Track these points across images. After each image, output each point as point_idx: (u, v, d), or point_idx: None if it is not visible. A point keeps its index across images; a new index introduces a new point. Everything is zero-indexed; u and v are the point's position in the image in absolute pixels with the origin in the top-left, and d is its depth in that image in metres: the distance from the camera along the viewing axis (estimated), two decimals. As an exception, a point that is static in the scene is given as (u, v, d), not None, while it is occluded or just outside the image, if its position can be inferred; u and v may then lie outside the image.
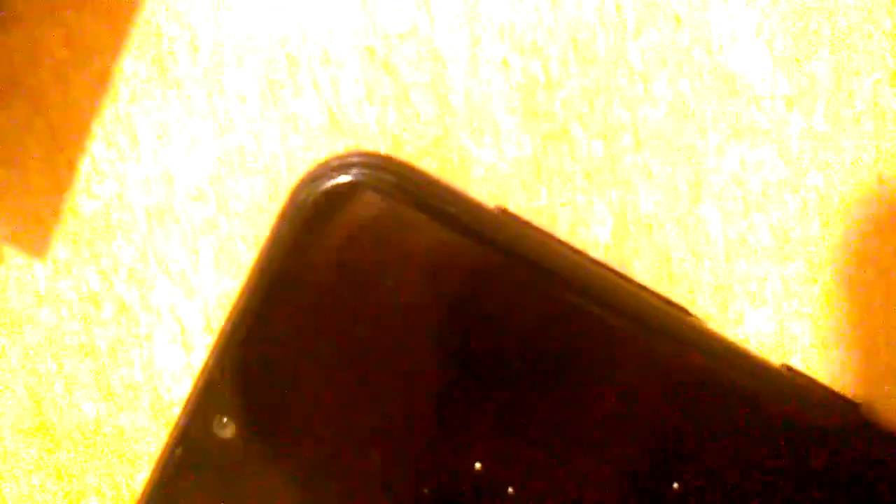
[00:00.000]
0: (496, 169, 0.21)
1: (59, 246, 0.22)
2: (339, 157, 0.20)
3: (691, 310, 0.20)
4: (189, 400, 0.21)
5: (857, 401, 0.20)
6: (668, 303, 0.20)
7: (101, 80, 0.21)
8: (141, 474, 0.23)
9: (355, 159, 0.20)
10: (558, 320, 0.20)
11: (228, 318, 0.21)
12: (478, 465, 0.20)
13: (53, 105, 0.21)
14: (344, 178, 0.19)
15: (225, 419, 0.21)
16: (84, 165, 0.21)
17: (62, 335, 0.23)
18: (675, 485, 0.20)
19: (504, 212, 0.20)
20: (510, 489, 0.20)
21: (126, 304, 0.22)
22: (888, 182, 0.20)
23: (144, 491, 0.22)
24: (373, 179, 0.19)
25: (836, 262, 0.20)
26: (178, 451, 0.21)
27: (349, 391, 0.21)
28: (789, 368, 0.20)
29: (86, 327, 0.23)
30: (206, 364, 0.21)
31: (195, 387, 0.21)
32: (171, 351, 0.22)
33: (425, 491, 0.21)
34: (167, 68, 0.21)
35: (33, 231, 0.22)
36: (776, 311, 0.21)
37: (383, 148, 0.21)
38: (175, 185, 0.21)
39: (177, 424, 0.21)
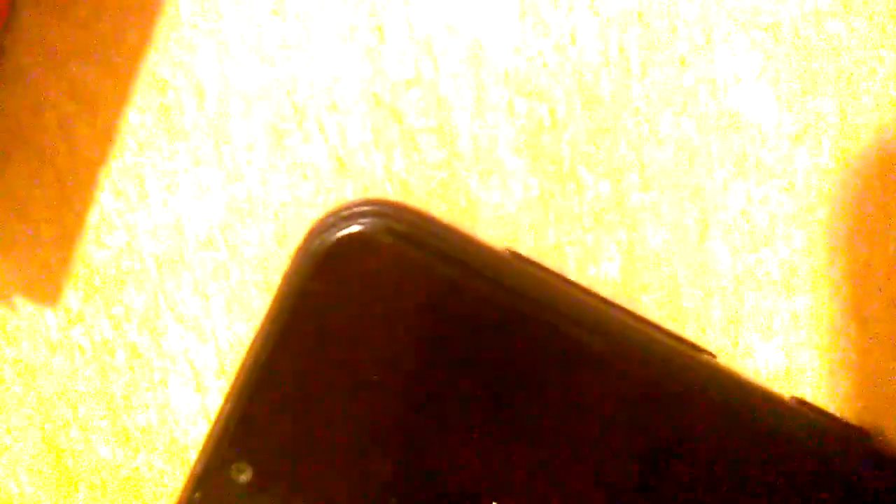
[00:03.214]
0: (504, 210, 0.21)
1: (71, 295, 0.22)
2: (348, 207, 0.20)
3: (701, 344, 0.21)
4: (205, 445, 0.21)
5: (868, 430, 0.21)
6: (679, 339, 0.20)
7: (108, 132, 0.21)
8: (159, 516, 0.23)
9: (365, 208, 0.20)
10: (570, 359, 0.20)
11: (243, 364, 0.21)
12: (494, 504, 0.21)
13: (61, 157, 0.21)
14: (354, 228, 0.20)
15: (242, 464, 0.21)
16: (93, 216, 0.22)
17: (76, 382, 0.23)
18: (689, 517, 0.20)
19: (514, 254, 0.20)
20: (526, 525, 0.21)
21: (139, 351, 0.22)
22: (893, 215, 0.20)
23: (163, 534, 0.22)
24: (382, 228, 0.20)
25: (844, 295, 0.21)
26: (198, 495, 0.21)
27: (363, 435, 0.21)
28: (799, 400, 0.21)
29: (100, 374, 0.23)
30: (222, 410, 0.21)
31: (211, 432, 0.21)
32: (185, 394, 0.23)
33: (442, 529, 0.21)
34: (173, 118, 0.21)
35: (44, 281, 0.22)
36: (785, 344, 0.21)
37: (391, 192, 0.21)
38: (185, 233, 0.21)
39: (194, 469, 0.22)
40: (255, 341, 0.20)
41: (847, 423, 0.21)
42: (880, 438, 0.21)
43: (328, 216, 0.20)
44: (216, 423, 0.21)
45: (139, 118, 0.21)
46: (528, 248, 0.21)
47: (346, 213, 0.20)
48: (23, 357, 0.23)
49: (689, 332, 0.21)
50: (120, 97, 0.21)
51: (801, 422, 0.20)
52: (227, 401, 0.21)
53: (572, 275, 0.21)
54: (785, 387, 0.21)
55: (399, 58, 0.20)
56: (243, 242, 0.21)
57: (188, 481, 0.22)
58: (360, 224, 0.19)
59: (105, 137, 0.21)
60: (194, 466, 0.21)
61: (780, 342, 0.21)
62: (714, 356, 0.21)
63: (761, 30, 0.19)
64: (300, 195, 0.21)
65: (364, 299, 0.20)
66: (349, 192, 0.21)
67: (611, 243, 0.21)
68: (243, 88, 0.21)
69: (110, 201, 0.21)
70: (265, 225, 0.21)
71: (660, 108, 0.20)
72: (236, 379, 0.21)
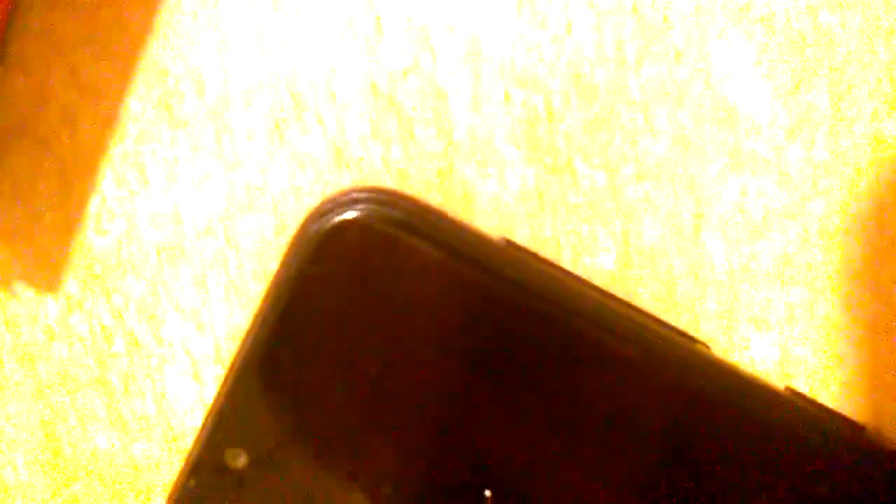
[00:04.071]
0: (500, 201, 0.21)
1: (71, 282, 0.22)
2: (345, 193, 0.20)
3: (696, 336, 0.21)
4: (201, 431, 0.21)
5: (862, 423, 0.21)
6: (673, 330, 0.21)
7: (109, 121, 0.21)
8: (155, 504, 0.23)
9: (362, 195, 0.20)
10: (565, 349, 0.20)
11: (239, 351, 0.21)
12: (487, 493, 0.21)
13: (63, 145, 0.21)
14: (351, 214, 0.20)
15: (237, 450, 0.21)
16: (94, 204, 0.22)
17: (75, 369, 0.23)
18: (683, 509, 0.20)
19: (509, 243, 0.20)
20: (520, 515, 0.21)
21: (137, 339, 0.23)
22: (887, 208, 0.20)
23: (159, 521, 0.22)
24: (379, 214, 0.20)
25: (838, 287, 0.21)
26: (192, 482, 0.22)
27: (358, 421, 0.21)
28: (794, 392, 0.21)
29: (98, 361, 0.23)
30: (218, 396, 0.21)
31: (207, 418, 0.21)
32: (182, 383, 0.23)
33: (436, 518, 0.21)
34: (174, 108, 0.21)
35: (45, 268, 0.22)
36: (780, 336, 0.21)
37: (389, 182, 0.21)
38: (184, 222, 0.22)
39: (189, 455, 0.22)
40: (251, 326, 0.21)
41: (841, 416, 0.21)
42: (874, 431, 0.21)
43: (325, 202, 0.20)
44: (211, 408, 0.21)
45: (140, 107, 0.21)
46: (524, 238, 0.21)
47: (342, 199, 0.20)
48: (22, 343, 0.23)
49: (684, 323, 0.21)
50: (121, 86, 0.21)
51: (796, 413, 0.20)
52: (222, 386, 0.21)
53: (568, 265, 0.21)
54: (779, 378, 0.21)
55: (397, 50, 0.20)
56: (242, 232, 0.22)
57: (183, 468, 0.22)
58: (356, 210, 0.20)
59: (106, 126, 0.21)
60: (189, 452, 0.22)
61: (774, 334, 0.21)
62: (708, 346, 0.21)
63: (755, 23, 0.19)
64: (299, 185, 0.21)
65: (359, 285, 0.20)
66: (347, 183, 0.21)
67: (606, 234, 0.21)
68: (243, 79, 0.21)
69: (111, 189, 0.22)
70: (264, 215, 0.21)
71: (655, 100, 0.20)
72: (232, 364, 0.21)
